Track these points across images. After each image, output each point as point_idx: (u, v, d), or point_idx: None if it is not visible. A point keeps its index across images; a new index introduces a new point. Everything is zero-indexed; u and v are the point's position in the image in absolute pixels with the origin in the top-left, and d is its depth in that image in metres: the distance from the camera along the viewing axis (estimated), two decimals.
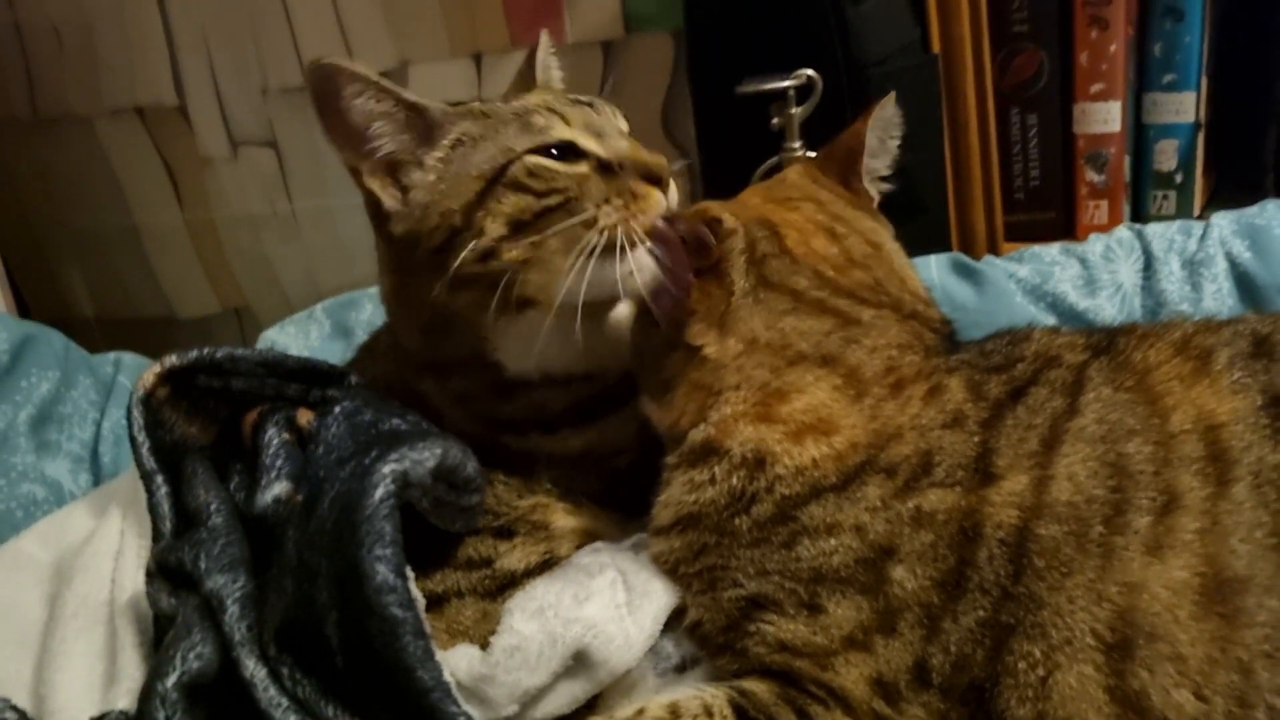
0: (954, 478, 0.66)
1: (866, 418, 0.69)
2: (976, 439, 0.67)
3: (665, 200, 0.76)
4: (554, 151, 0.76)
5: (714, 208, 0.79)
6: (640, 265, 0.74)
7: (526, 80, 0.90)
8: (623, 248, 0.73)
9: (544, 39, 0.90)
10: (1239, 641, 0.58)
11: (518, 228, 0.74)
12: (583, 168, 0.76)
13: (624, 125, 0.82)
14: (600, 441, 0.84)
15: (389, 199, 0.78)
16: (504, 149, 0.76)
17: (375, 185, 0.78)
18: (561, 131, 0.77)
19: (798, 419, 0.70)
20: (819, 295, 0.74)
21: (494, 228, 0.74)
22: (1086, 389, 0.67)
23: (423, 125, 0.77)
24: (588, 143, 0.77)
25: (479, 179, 0.75)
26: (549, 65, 0.90)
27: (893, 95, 0.81)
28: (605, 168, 0.76)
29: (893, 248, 0.80)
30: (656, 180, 0.76)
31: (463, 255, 0.74)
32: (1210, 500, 0.61)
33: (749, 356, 0.73)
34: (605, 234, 0.73)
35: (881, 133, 0.82)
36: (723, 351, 0.73)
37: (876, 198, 0.84)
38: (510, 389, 0.82)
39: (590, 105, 0.81)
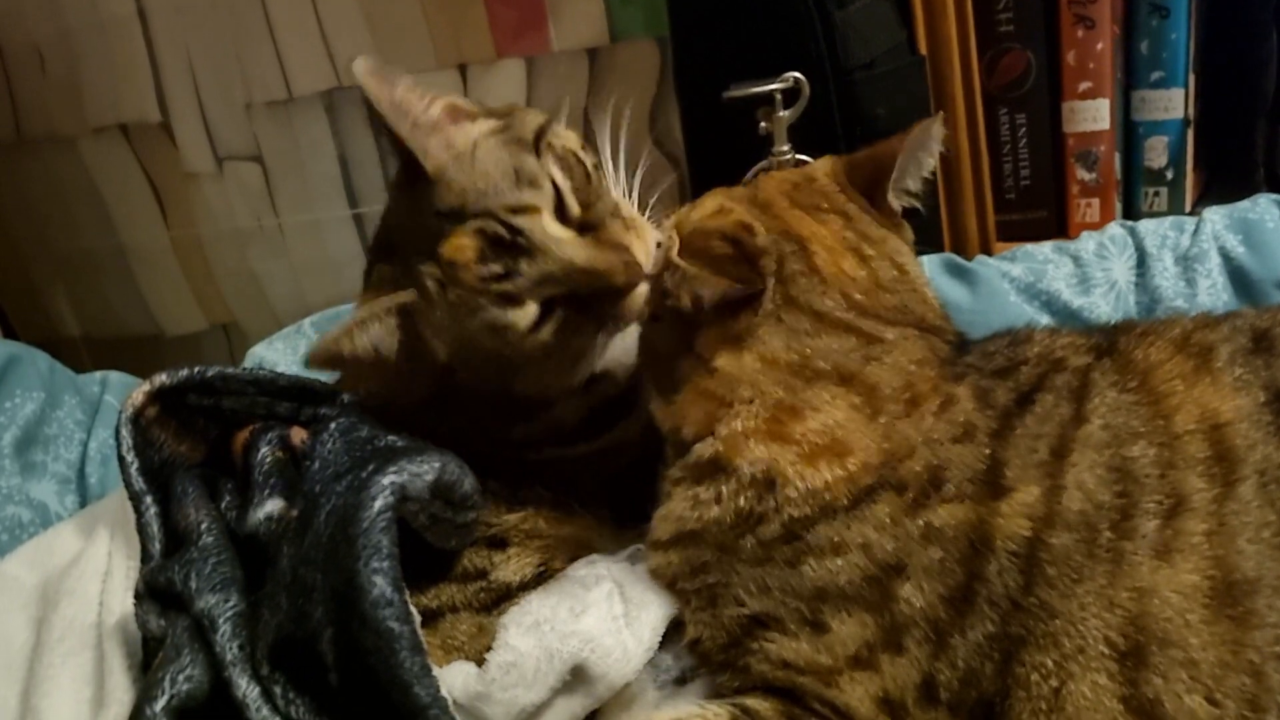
0: (963, 491, 0.64)
1: (880, 437, 0.67)
2: (986, 451, 0.65)
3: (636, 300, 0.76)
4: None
5: (739, 210, 0.75)
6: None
7: None
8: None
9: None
10: (1250, 644, 0.57)
11: (553, 357, 0.77)
12: (558, 315, 0.75)
13: (596, 182, 0.79)
14: (608, 443, 0.84)
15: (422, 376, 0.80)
16: (497, 347, 0.76)
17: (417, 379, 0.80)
18: (527, 318, 0.74)
19: (812, 439, 0.68)
20: (844, 317, 0.71)
21: (534, 367, 0.77)
22: (1092, 394, 0.66)
23: (403, 312, 0.76)
24: (548, 293, 0.75)
25: (496, 358, 0.76)
26: None
27: (940, 117, 0.78)
28: (573, 298, 0.76)
29: (917, 271, 0.78)
30: (627, 286, 0.75)
31: (511, 383, 0.78)
32: (1217, 501, 0.60)
33: (766, 374, 0.70)
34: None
35: (920, 151, 0.78)
36: (739, 367, 0.71)
37: (899, 210, 0.80)
38: (530, 411, 0.81)
39: (523, 254, 0.74)
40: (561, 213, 0.76)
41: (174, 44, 1.47)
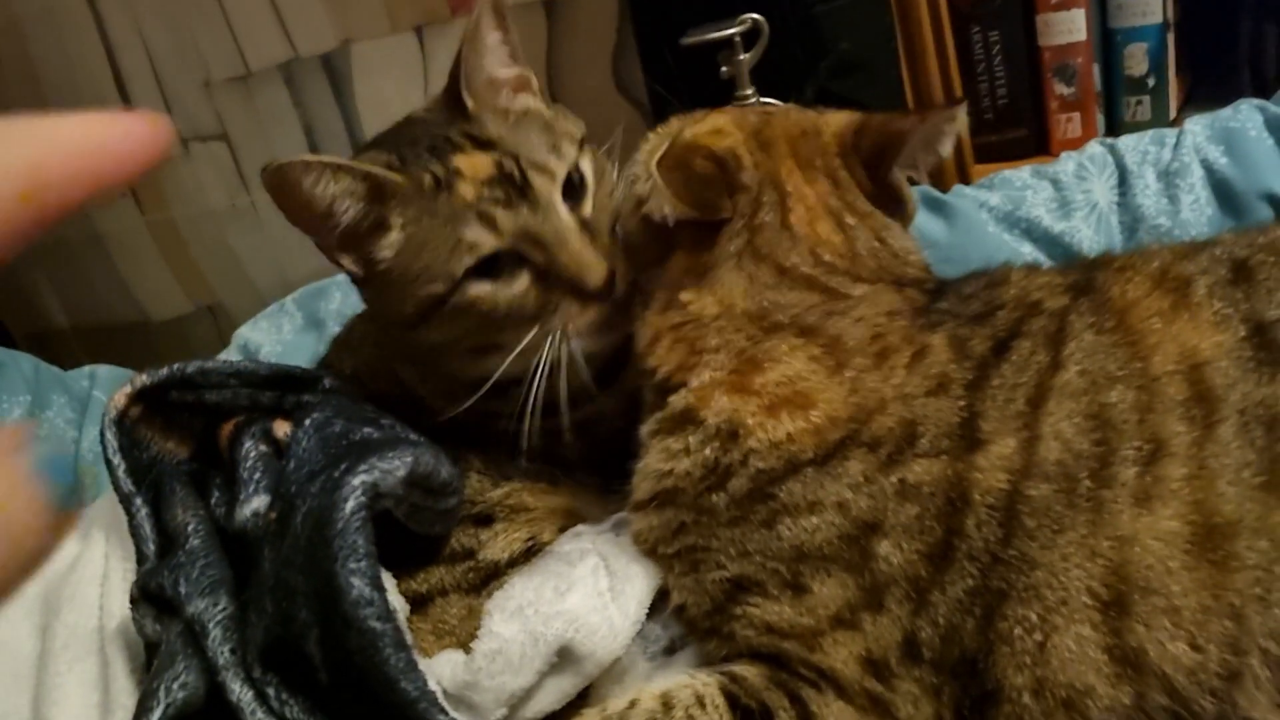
0: (939, 447, 0.63)
1: (847, 390, 0.66)
2: (962, 404, 0.64)
3: (605, 307, 0.77)
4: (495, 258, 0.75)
5: (737, 138, 0.73)
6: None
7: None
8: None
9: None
10: (1230, 587, 0.56)
11: (472, 333, 0.77)
12: (523, 280, 0.75)
13: (574, 163, 0.79)
14: (589, 415, 0.83)
15: (353, 267, 0.80)
16: (445, 274, 0.75)
17: (346, 261, 0.79)
18: (491, 245, 0.74)
19: (772, 391, 0.67)
20: (809, 273, 0.70)
21: (450, 331, 0.77)
22: (1069, 338, 0.65)
23: (377, 191, 0.76)
24: (526, 251, 0.75)
25: (428, 297, 0.76)
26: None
27: (963, 105, 0.74)
28: (544, 275, 0.76)
29: (903, 244, 0.74)
30: (595, 295, 0.76)
31: (429, 337, 0.78)
32: (1196, 444, 0.59)
33: (727, 320, 0.70)
34: (544, 335, 0.76)
35: (933, 138, 0.74)
36: (700, 307, 0.70)
37: (903, 182, 0.76)
38: (501, 389, 0.80)
39: (526, 200, 0.75)
40: (572, 202, 0.78)
41: (125, 26, 1.44)
